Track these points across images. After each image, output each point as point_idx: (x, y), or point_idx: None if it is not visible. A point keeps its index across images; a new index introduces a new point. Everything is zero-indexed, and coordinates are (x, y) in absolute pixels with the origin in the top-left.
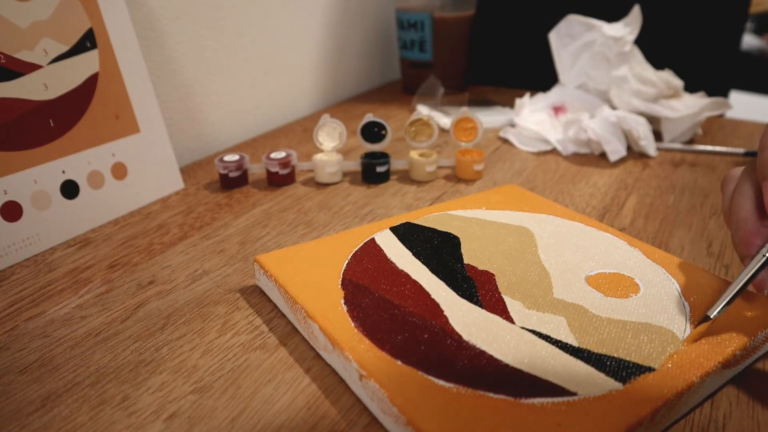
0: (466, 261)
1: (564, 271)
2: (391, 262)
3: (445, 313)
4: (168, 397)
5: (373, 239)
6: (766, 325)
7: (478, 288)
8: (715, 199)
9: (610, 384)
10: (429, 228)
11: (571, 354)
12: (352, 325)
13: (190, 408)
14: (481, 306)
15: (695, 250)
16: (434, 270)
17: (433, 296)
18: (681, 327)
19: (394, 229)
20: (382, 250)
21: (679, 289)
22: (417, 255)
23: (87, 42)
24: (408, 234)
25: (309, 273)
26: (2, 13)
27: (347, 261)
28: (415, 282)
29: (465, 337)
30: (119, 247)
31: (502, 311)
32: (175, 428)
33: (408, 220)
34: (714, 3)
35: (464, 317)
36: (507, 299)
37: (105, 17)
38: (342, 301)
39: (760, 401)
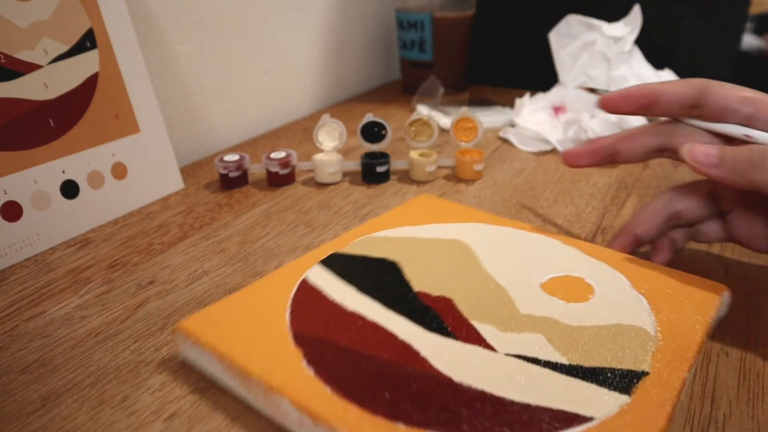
0: (416, 288)
1: (517, 282)
2: (337, 303)
3: (422, 354)
4: (168, 397)
5: (305, 280)
6: (715, 303)
7: (442, 318)
8: None
9: (618, 399)
10: (360, 256)
11: (566, 374)
12: (328, 390)
13: (190, 408)
14: (454, 338)
15: (695, 250)
16: (388, 304)
17: (401, 337)
18: (647, 321)
19: (325, 263)
20: (321, 291)
21: (628, 283)
22: (361, 290)
23: (87, 42)
24: (341, 266)
25: (251, 333)
26: (2, 13)
27: (288, 311)
28: (373, 323)
29: (455, 378)
30: (119, 247)
31: (478, 340)
32: (175, 428)
33: (333, 251)
34: (714, 3)
35: (443, 354)
36: (477, 325)
37: (105, 17)
38: (304, 363)
39: (760, 401)
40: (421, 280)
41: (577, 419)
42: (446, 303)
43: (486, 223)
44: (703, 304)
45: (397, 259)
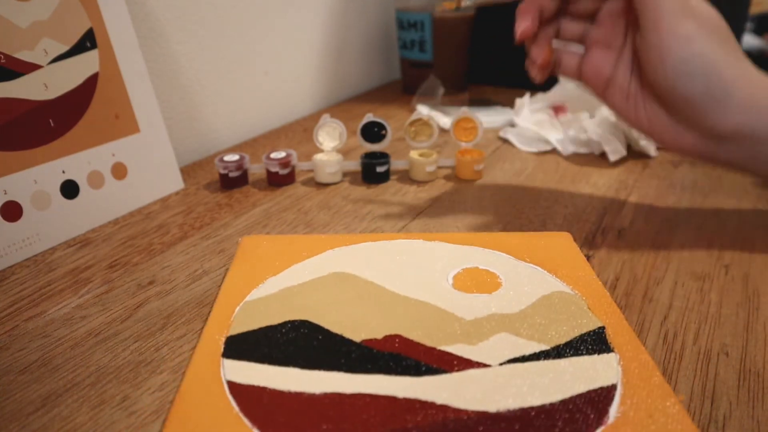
0: (357, 339)
1: (432, 293)
2: (298, 393)
3: (438, 403)
4: (168, 397)
5: (234, 384)
6: (577, 250)
7: (414, 358)
8: (715, 199)
9: (611, 358)
10: (262, 329)
11: (557, 357)
12: None
13: None
14: (446, 372)
15: (695, 249)
16: (349, 369)
17: (401, 396)
18: (559, 285)
19: (233, 354)
20: (266, 388)
21: (511, 258)
22: (304, 366)
23: (87, 42)
24: (253, 350)
25: None
26: (2, 13)
27: None
28: (358, 395)
29: (491, 410)
30: (119, 247)
31: (467, 363)
32: None
33: (222, 335)
34: (714, 3)
35: (456, 393)
36: (449, 349)
37: (105, 17)
38: None
39: (760, 401)
40: (350, 328)
41: (608, 391)
42: (401, 341)
43: (338, 245)
44: (572, 254)
45: (303, 317)
